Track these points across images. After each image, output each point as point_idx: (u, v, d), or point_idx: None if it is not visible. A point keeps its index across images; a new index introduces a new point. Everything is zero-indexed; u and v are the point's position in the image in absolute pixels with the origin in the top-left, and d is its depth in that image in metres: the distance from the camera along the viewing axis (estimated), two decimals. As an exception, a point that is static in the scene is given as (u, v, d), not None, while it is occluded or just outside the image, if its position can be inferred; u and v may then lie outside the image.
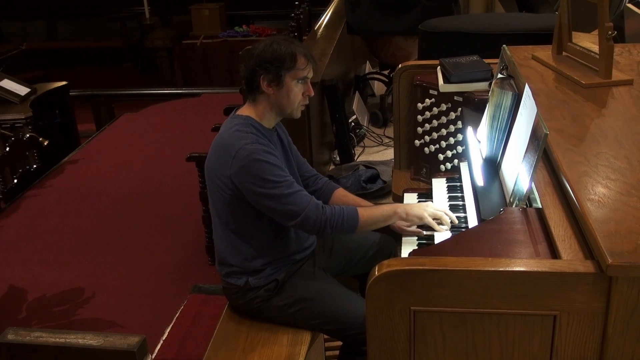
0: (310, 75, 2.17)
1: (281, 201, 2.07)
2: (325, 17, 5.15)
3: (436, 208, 2.18)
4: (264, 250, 2.21)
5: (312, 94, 2.20)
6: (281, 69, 2.08)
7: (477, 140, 2.27)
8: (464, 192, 2.25)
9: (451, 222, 2.15)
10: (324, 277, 2.31)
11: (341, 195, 2.44)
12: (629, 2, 3.01)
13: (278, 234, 2.22)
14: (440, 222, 2.15)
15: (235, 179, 2.08)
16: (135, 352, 1.60)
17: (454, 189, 2.41)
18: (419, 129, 2.80)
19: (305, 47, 2.18)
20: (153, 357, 2.67)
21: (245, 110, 2.19)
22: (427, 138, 2.79)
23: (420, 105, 2.76)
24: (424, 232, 2.20)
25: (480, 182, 2.06)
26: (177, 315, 2.96)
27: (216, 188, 2.17)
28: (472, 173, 2.18)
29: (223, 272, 2.29)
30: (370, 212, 2.20)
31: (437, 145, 2.75)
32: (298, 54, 2.10)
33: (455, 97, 2.62)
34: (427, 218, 2.14)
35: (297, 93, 2.14)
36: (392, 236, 2.41)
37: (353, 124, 4.53)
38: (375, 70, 5.43)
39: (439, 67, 2.72)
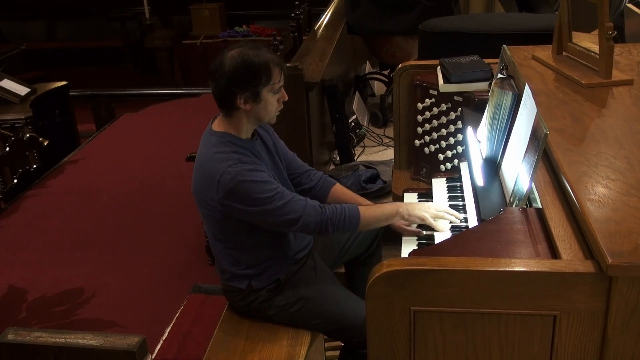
0: (283, 82, 2.12)
1: (277, 213, 2.05)
2: (325, 17, 5.14)
3: (437, 209, 2.18)
4: (263, 258, 2.21)
5: (287, 98, 2.16)
6: (258, 85, 2.03)
7: (477, 140, 2.27)
8: (464, 192, 2.25)
9: (454, 219, 2.16)
10: (326, 277, 2.32)
11: (339, 192, 2.42)
12: (629, 2, 3.01)
13: (275, 241, 2.21)
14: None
15: (223, 202, 2.05)
16: (135, 352, 1.60)
17: (454, 189, 2.41)
18: (419, 129, 2.80)
19: (272, 52, 2.12)
20: (153, 357, 2.67)
21: (221, 126, 2.15)
22: (427, 138, 2.79)
23: (420, 105, 2.76)
24: (424, 232, 2.20)
25: (480, 182, 2.06)
26: (177, 315, 2.96)
27: (206, 210, 2.15)
28: (472, 173, 2.18)
29: (224, 276, 2.28)
30: (372, 210, 2.20)
31: (437, 145, 2.75)
32: (272, 67, 2.04)
33: (455, 97, 2.62)
34: (429, 219, 2.14)
35: (274, 103, 2.11)
36: (391, 235, 2.41)
37: (353, 124, 4.53)
38: (375, 70, 5.42)
39: (439, 67, 2.72)
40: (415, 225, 2.23)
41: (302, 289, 2.23)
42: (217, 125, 2.17)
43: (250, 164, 2.06)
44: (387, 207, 2.23)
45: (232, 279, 2.25)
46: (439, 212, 2.16)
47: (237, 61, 2.03)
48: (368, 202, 2.41)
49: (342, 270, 2.73)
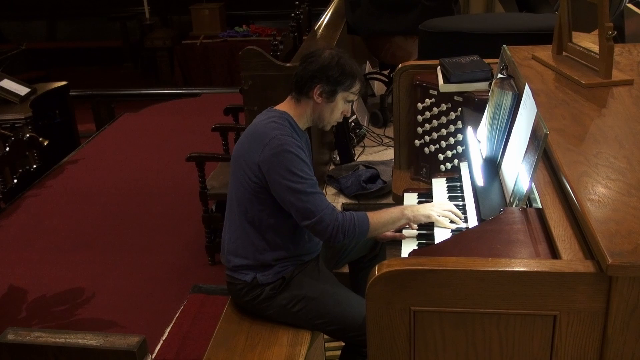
0: (356, 98, 2.25)
1: (301, 198, 2.08)
2: (325, 17, 5.14)
3: (442, 207, 2.20)
4: (276, 246, 2.22)
5: (349, 114, 2.30)
6: (339, 86, 2.16)
7: (477, 140, 2.27)
8: (464, 192, 2.25)
9: (456, 219, 2.17)
10: (329, 277, 2.33)
11: None
12: (629, 2, 3.01)
13: (292, 233, 2.23)
14: (450, 221, 2.17)
15: (263, 165, 2.11)
16: (135, 352, 1.60)
17: (454, 189, 2.41)
18: (419, 129, 2.80)
19: (360, 68, 2.25)
20: (153, 357, 2.67)
21: (285, 107, 2.24)
22: (427, 138, 2.79)
23: (420, 105, 2.76)
24: (406, 236, 2.22)
25: (480, 182, 2.06)
26: (177, 315, 2.96)
27: (241, 174, 2.19)
28: (472, 173, 2.18)
29: (230, 265, 2.29)
30: (379, 215, 2.22)
31: (437, 145, 2.75)
32: (357, 79, 2.19)
33: (455, 97, 2.62)
34: (435, 217, 2.16)
35: (339, 110, 2.23)
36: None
37: (353, 124, 4.53)
38: (375, 70, 5.42)
39: (439, 67, 2.72)
40: (416, 226, 2.25)
41: (305, 289, 2.24)
42: (280, 106, 2.26)
43: (299, 143, 2.15)
44: (393, 211, 2.25)
45: (237, 270, 2.26)
46: (444, 210, 2.18)
47: (334, 58, 2.17)
48: None
49: (346, 270, 2.73)
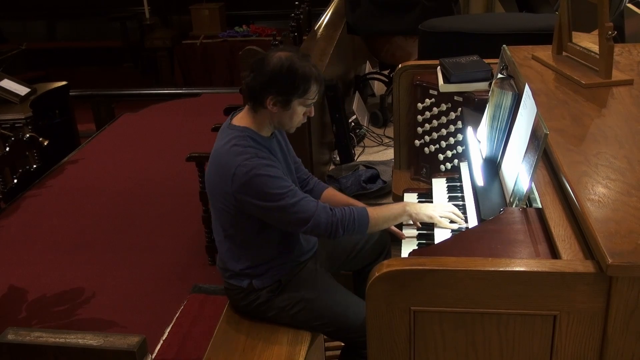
0: (316, 99, 2.14)
1: (289, 211, 2.05)
2: (325, 17, 5.15)
3: (444, 208, 2.19)
4: (269, 258, 2.21)
5: (313, 114, 2.19)
6: (293, 95, 2.05)
7: (477, 140, 2.27)
8: (464, 192, 2.25)
9: (459, 220, 2.16)
10: (326, 278, 2.32)
11: (330, 194, 2.43)
12: (629, 2, 3.01)
13: (283, 242, 2.22)
14: (451, 221, 2.16)
15: (238, 196, 2.06)
16: (135, 352, 1.60)
17: (454, 189, 2.41)
18: (419, 129, 2.80)
19: (317, 68, 2.11)
20: (153, 357, 2.68)
21: (244, 120, 2.15)
22: (427, 138, 2.79)
23: (420, 105, 2.76)
24: (406, 236, 2.21)
25: (480, 182, 2.06)
26: (177, 315, 2.96)
27: (219, 203, 2.15)
28: (472, 173, 2.18)
29: (226, 274, 2.28)
30: (380, 211, 2.21)
31: (437, 145, 2.75)
32: (312, 83, 2.06)
33: (455, 97, 2.62)
34: (437, 217, 2.15)
35: (299, 115, 2.13)
36: (391, 235, 2.41)
37: (353, 124, 4.53)
38: (375, 70, 5.42)
39: (439, 67, 2.72)
40: (419, 225, 2.25)
41: (302, 291, 2.23)
42: (239, 119, 2.16)
43: (266, 160, 2.07)
44: (394, 207, 2.24)
45: (233, 277, 2.26)
46: (445, 211, 2.18)
47: (283, 65, 2.02)
48: (361, 204, 2.40)
49: (348, 272, 2.71)
